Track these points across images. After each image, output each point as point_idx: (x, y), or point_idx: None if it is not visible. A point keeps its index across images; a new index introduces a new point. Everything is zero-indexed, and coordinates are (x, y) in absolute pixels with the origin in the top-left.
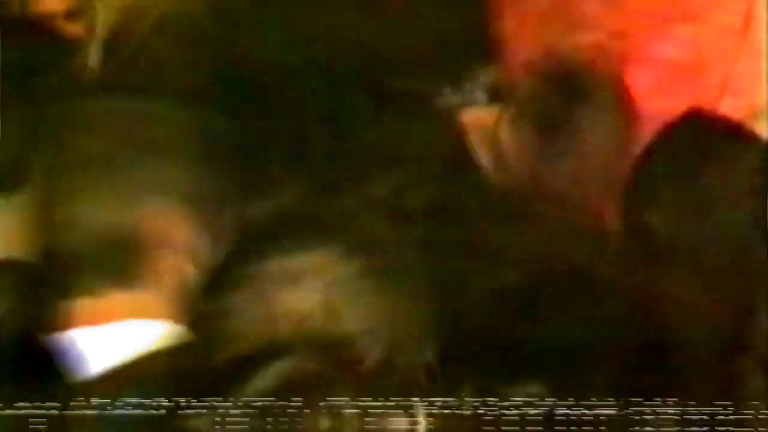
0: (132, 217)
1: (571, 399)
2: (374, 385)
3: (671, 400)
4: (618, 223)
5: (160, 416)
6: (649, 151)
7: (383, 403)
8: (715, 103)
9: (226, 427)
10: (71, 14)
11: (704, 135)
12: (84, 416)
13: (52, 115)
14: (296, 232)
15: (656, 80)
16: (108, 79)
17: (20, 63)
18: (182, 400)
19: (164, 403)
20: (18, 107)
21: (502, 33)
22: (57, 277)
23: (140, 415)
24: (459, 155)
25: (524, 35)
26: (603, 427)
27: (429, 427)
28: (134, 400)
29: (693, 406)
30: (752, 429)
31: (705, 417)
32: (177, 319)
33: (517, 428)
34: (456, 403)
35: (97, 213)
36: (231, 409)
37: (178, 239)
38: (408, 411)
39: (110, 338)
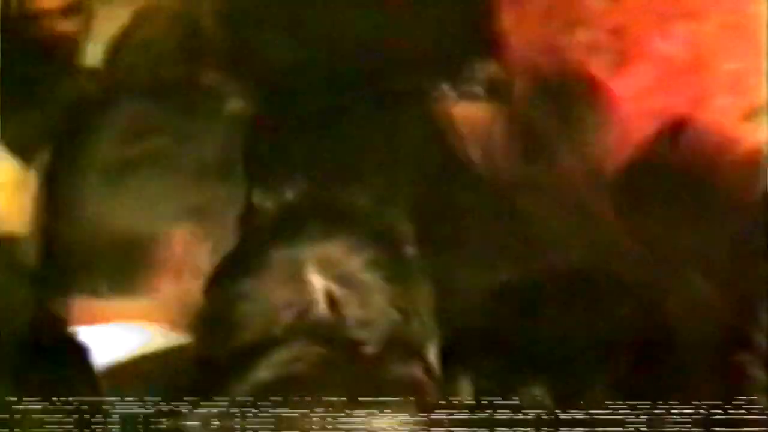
0: (132, 225)
1: (572, 400)
2: (370, 381)
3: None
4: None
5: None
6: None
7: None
8: (713, 101)
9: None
10: (67, 12)
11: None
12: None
13: (53, 116)
14: (303, 225)
15: (655, 77)
16: (111, 78)
17: (21, 61)
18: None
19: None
20: (19, 106)
21: (501, 29)
22: (57, 275)
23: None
24: (451, 151)
25: (523, 32)
26: (603, 428)
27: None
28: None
29: (694, 406)
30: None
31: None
32: (172, 325)
33: (515, 428)
34: (456, 402)
35: (99, 218)
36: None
37: (179, 249)
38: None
39: (104, 338)
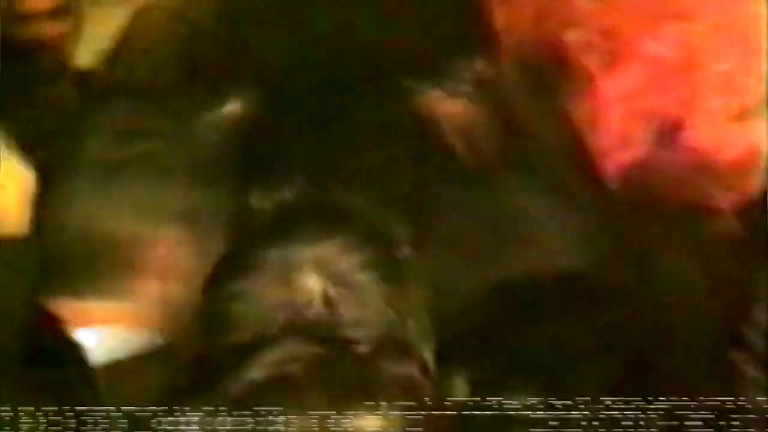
0: (118, 227)
1: (564, 399)
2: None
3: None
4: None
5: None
6: None
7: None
8: (705, 102)
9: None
10: (55, 13)
11: None
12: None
13: (44, 117)
14: (299, 225)
15: (646, 78)
16: (103, 80)
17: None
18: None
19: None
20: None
21: (493, 28)
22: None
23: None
24: (445, 150)
25: (515, 31)
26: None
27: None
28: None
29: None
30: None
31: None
32: (156, 328)
33: (509, 428)
34: (449, 402)
35: (85, 221)
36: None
37: (164, 252)
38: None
39: (87, 341)
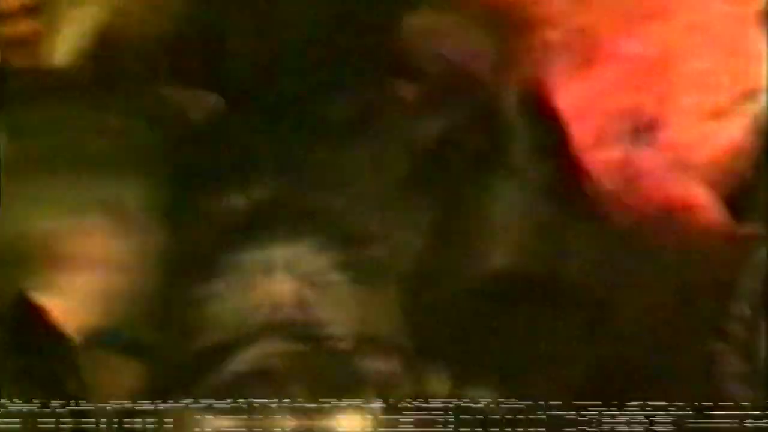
0: (55, 227)
1: (532, 401)
2: (340, 377)
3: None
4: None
5: None
6: None
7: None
8: (680, 100)
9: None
10: (30, 11)
11: None
12: None
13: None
14: (271, 226)
15: (622, 77)
16: (80, 79)
17: None
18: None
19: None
20: None
21: None
22: None
23: None
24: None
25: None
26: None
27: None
28: None
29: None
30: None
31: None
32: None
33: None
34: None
35: (24, 217)
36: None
37: (102, 253)
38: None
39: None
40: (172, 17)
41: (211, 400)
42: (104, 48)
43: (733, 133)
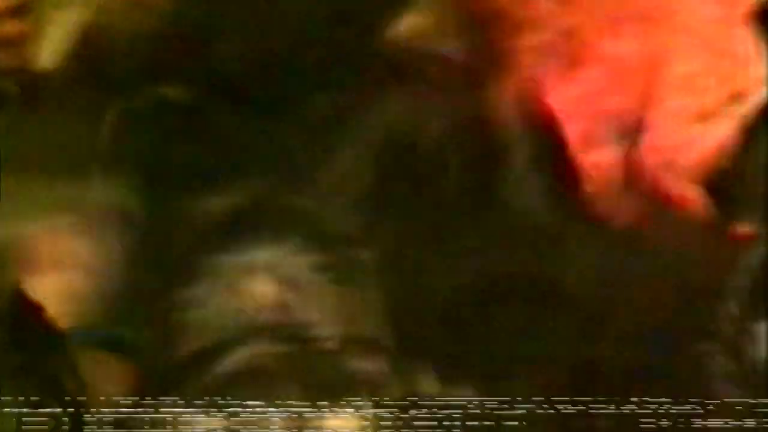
0: (21, 229)
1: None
2: (325, 378)
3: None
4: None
5: None
6: None
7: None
8: (666, 103)
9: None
10: (16, 12)
11: None
12: None
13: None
14: (250, 229)
15: (608, 79)
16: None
17: None
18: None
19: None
20: None
21: None
22: None
23: None
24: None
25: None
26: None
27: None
28: None
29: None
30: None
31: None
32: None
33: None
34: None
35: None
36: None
37: (81, 254)
38: (359, 408)
39: None
40: (158, 15)
41: (200, 401)
42: (88, 47)
43: (720, 135)
